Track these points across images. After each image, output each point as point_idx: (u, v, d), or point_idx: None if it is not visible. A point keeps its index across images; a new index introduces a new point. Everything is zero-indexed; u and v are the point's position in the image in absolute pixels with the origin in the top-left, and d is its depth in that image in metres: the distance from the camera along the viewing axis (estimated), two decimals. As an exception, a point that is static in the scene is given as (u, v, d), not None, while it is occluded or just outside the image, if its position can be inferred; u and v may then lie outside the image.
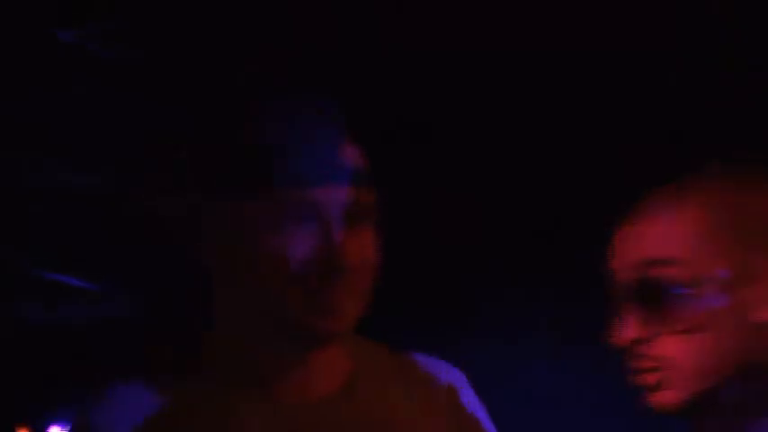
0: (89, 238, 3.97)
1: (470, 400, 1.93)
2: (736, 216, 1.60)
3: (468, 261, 4.79)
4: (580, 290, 2.87)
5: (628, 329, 1.62)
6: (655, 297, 1.60)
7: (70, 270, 4.27)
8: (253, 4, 3.42)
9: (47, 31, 3.55)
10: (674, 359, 1.58)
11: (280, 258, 1.66)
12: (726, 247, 1.57)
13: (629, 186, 1.76)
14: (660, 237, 1.59)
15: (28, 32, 3.49)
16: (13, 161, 3.97)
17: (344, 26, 3.54)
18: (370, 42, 3.62)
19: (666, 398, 1.60)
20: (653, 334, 1.59)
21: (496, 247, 4.65)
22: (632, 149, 3.76)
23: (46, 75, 3.73)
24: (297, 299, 1.67)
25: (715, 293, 1.57)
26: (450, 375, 1.92)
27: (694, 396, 1.59)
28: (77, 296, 4.30)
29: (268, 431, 1.74)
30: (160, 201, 2.02)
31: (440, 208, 4.22)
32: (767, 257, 1.56)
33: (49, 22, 3.51)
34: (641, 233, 1.61)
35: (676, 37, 3.39)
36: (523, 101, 3.92)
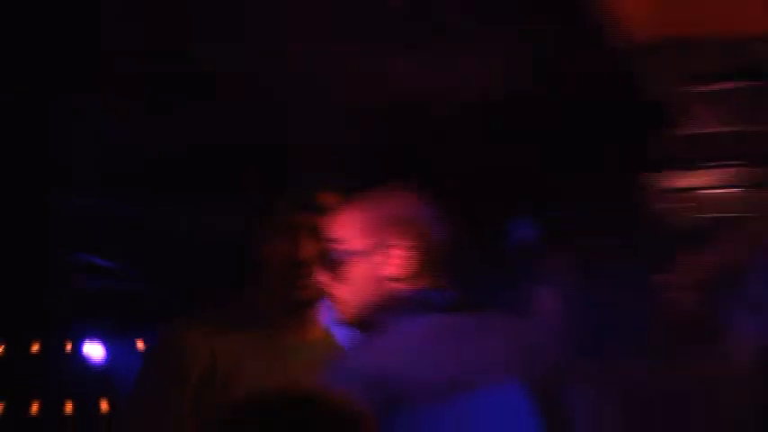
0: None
1: None
2: (379, 214, 2.66)
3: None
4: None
5: (321, 279, 2.69)
6: (333, 260, 2.67)
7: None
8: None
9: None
10: (343, 296, 2.62)
11: (274, 262, 2.87)
12: (371, 232, 2.62)
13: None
14: (339, 225, 2.66)
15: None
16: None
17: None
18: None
19: (345, 318, 2.65)
20: (335, 282, 2.64)
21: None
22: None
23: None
24: (282, 282, 2.84)
25: (363, 259, 2.62)
26: None
27: (357, 317, 2.62)
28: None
29: (276, 359, 2.81)
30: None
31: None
32: (394, 239, 2.57)
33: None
34: (332, 221, 2.68)
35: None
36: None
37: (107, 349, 5.90)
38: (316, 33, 3.67)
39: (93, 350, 5.85)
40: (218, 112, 4.26)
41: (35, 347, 5.78)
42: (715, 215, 4.54)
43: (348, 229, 2.62)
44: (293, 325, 2.89)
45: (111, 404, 5.74)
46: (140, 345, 5.72)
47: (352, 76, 3.96)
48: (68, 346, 5.76)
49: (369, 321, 2.55)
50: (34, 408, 5.74)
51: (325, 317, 2.94)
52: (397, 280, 2.53)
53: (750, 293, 2.53)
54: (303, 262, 2.78)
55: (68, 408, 5.72)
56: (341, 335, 2.93)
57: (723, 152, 4.37)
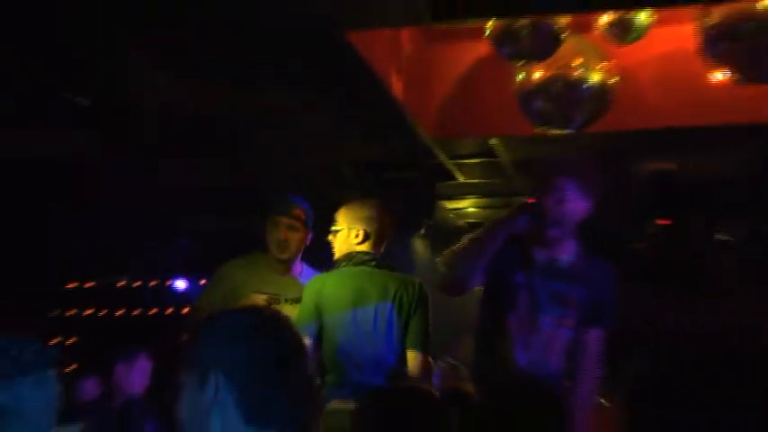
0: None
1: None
2: (352, 213, 3.21)
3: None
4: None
5: (330, 239, 3.22)
6: (332, 232, 3.25)
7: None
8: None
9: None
10: (335, 249, 3.18)
11: (271, 241, 3.43)
12: (346, 222, 3.20)
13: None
14: (336, 217, 3.23)
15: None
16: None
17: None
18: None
19: (334, 259, 3.20)
20: (333, 241, 3.20)
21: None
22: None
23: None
24: (274, 248, 3.45)
25: (342, 233, 3.21)
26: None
27: (337, 260, 3.19)
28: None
29: (279, 286, 3.39)
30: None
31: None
32: (358, 225, 3.14)
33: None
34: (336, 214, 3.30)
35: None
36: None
37: (186, 284, 6.77)
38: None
39: (180, 284, 6.83)
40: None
41: (152, 283, 6.89)
42: (467, 221, 5.18)
43: (337, 218, 3.28)
44: (280, 269, 3.50)
45: (188, 310, 6.52)
46: (203, 282, 6.32)
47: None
48: (168, 282, 6.83)
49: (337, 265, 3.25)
50: (153, 311, 6.90)
51: (298, 266, 3.55)
52: (358, 245, 3.22)
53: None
54: (283, 241, 3.43)
55: (168, 311, 6.78)
56: (311, 273, 3.48)
57: (475, 191, 4.82)
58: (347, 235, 3.25)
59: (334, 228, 3.29)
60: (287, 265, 3.51)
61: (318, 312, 3.16)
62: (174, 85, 3.47)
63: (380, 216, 3.29)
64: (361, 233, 3.21)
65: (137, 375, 4.16)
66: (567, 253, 2.81)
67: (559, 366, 2.78)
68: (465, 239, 2.84)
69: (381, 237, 3.27)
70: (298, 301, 3.33)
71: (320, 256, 3.46)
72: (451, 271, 2.80)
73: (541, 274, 2.78)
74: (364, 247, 3.22)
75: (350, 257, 3.22)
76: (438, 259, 2.85)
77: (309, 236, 3.49)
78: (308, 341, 3.12)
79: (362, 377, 3.06)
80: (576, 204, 2.75)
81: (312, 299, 3.18)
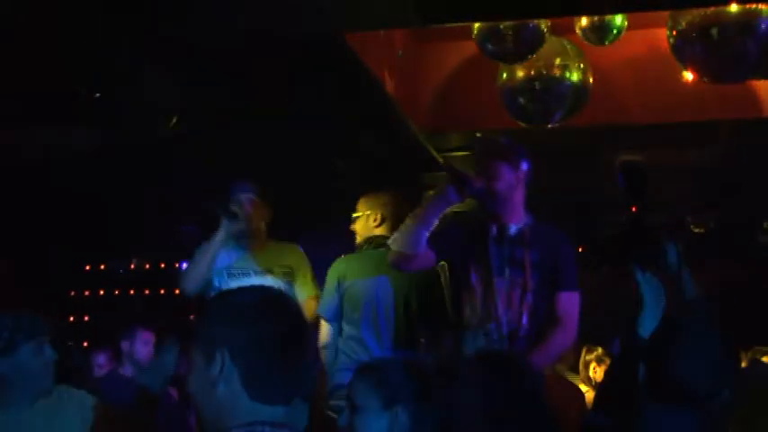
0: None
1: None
2: (370, 202, 3.21)
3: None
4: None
5: (353, 227, 3.29)
6: (353, 219, 3.27)
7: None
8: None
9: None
10: (356, 232, 3.28)
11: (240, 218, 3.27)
12: (366, 209, 3.23)
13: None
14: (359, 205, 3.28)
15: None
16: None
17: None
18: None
19: (357, 242, 3.32)
20: (354, 226, 3.26)
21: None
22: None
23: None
24: (247, 225, 3.29)
25: (364, 218, 3.24)
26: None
27: (359, 242, 3.30)
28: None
29: (259, 254, 3.34)
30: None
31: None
32: (375, 211, 3.19)
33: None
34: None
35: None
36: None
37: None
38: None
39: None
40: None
41: (162, 265, 6.93)
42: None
43: (357, 206, 3.32)
44: (255, 239, 3.39)
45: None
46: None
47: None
48: (176, 264, 6.68)
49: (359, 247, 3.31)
50: (162, 291, 6.89)
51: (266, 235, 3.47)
52: (376, 228, 3.27)
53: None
54: (252, 218, 3.32)
55: (176, 292, 6.41)
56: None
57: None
58: (366, 220, 3.28)
59: (354, 215, 3.32)
60: (254, 238, 3.44)
61: (341, 293, 3.22)
62: (179, 87, 3.46)
63: (396, 201, 3.31)
64: (379, 217, 3.25)
65: (140, 346, 4.26)
66: (515, 222, 2.88)
67: (521, 328, 2.79)
68: (407, 219, 2.91)
69: (398, 220, 3.17)
70: (268, 271, 3.34)
71: (337, 246, 3.44)
72: (397, 247, 2.86)
73: (495, 243, 2.86)
74: (382, 231, 3.23)
75: (370, 241, 3.25)
76: (389, 239, 2.89)
77: (269, 210, 3.44)
78: (329, 326, 3.19)
79: (383, 353, 3.08)
80: (505, 180, 2.85)
81: (335, 281, 3.23)
